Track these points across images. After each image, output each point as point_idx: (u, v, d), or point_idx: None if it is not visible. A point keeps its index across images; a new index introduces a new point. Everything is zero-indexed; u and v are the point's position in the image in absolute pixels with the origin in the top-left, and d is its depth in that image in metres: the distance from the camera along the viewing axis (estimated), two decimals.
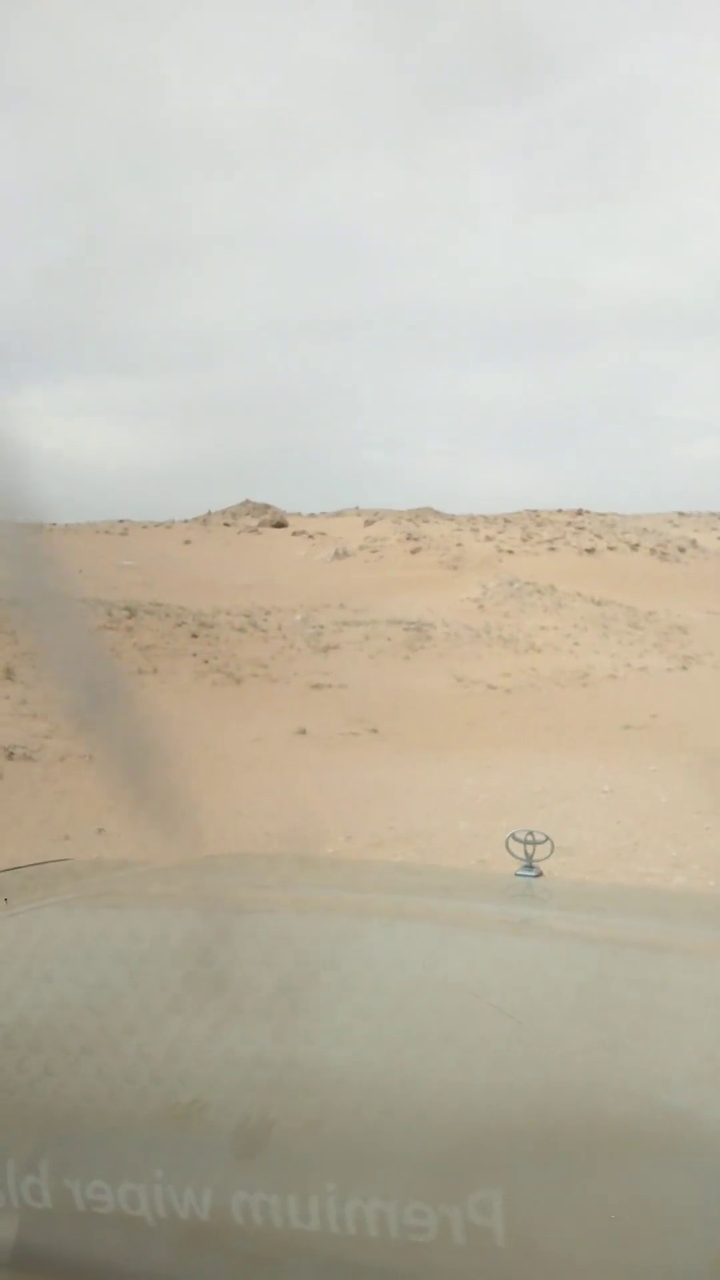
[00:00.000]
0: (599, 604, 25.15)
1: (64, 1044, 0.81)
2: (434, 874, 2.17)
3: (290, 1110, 0.72)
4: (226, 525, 40.95)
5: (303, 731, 11.64)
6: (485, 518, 42.17)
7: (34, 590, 0.78)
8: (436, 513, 44.43)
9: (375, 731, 11.85)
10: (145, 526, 38.51)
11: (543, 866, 1.48)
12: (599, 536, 36.95)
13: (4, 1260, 0.66)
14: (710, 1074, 0.80)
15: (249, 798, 7.74)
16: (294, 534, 38.88)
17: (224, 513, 43.80)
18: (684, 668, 18.78)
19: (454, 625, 21.67)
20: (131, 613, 18.62)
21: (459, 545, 34.42)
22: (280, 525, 40.78)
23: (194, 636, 17.89)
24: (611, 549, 35.34)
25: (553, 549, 34.67)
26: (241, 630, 19.23)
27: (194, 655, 16.56)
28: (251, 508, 44.17)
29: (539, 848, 1.48)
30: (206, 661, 16.24)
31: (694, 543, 37.79)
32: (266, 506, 44.33)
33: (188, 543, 36.15)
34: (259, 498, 45.33)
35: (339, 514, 44.21)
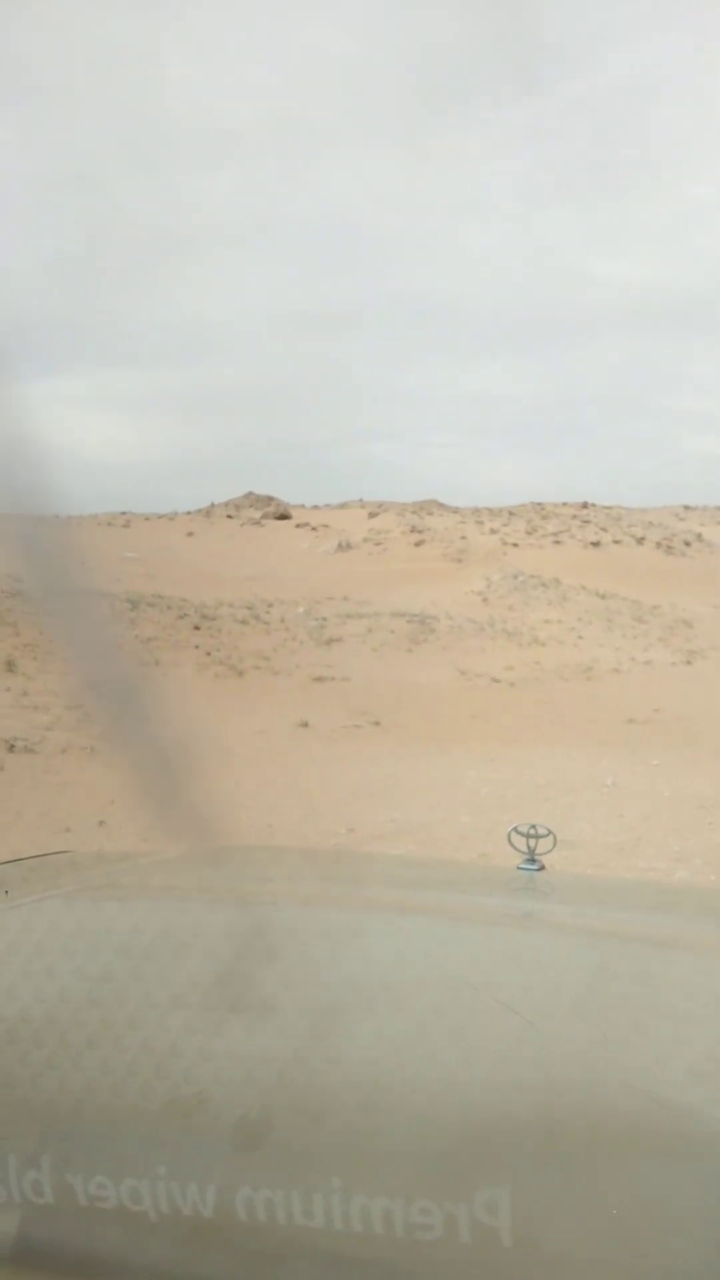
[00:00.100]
0: (604, 597, 25.13)
1: (66, 1038, 0.81)
2: (436, 867, 2.17)
3: (294, 1105, 0.72)
4: (229, 517, 40.94)
5: (305, 724, 11.65)
6: (490, 510, 42.12)
7: (57, 585, 0.78)
8: (441, 505, 44.37)
9: (378, 724, 11.86)
10: (148, 518, 38.50)
11: (545, 860, 1.47)
12: (604, 530, 36.89)
13: (6, 1255, 0.66)
14: (714, 1070, 0.79)
15: (251, 790, 7.74)
16: (297, 526, 38.87)
17: (227, 505, 43.81)
18: (688, 662, 18.76)
19: (458, 618, 21.66)
20: (133, 605, 18.63)
21: (463, 538, 34.39)
22: (283, 517, 40.76)
23: (196, 629, 17.91)
24: (617, 542, 35.29)
25: (558, 542, 34.62)
26: (244, 622, 19.24)
27: (196, 647, 16.57)
28: (254, 500, 44.17)
29: (541, 841, 1.48)
30: (209, 654, 16.25)
31: (700, 536, 37.73)
32: (270, 499, 44.33)
33: (190, 535, 36.16)
34: (262, 490, 45.37)
35: (342, 506, 44.20)
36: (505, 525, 37.45)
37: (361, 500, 45.41)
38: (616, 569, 30.22)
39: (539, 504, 42.64)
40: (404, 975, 0.97)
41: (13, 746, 9.31)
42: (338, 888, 1.41)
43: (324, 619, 20.53)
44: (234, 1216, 0.63)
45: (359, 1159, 0.67)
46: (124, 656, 0.84)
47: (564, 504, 42.83)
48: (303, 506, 44.42)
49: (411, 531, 35.65)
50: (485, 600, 24.84)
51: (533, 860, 1.46)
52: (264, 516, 40.83)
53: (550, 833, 1.49)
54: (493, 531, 36.02)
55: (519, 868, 1.45)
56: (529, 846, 1.48)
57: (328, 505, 45.02)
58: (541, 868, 1.46)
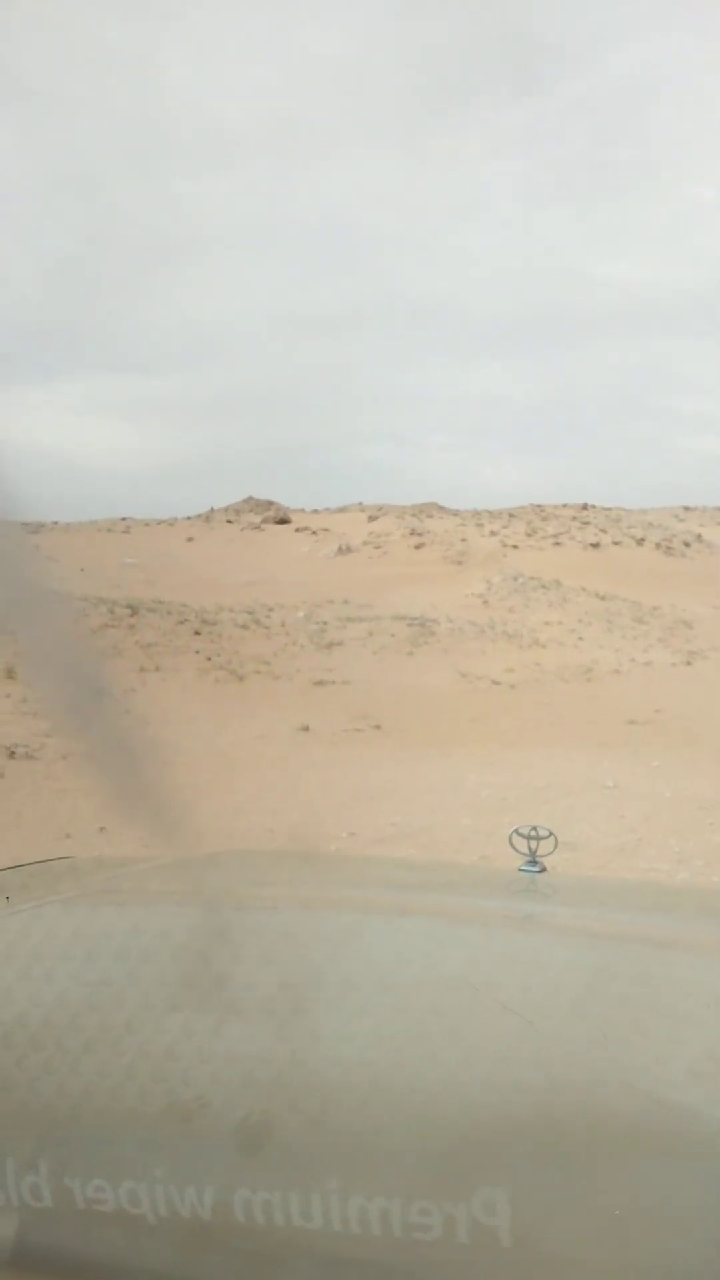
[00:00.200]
0: (604, 599, 25.13)
1: (65, 1042, 0.81)
2: (436, 870, 2.17)
3: (292, 1107, 0.72)
4: (229, 522, 40.95)
5: (306, 728, 11.64)
6: (490, 513, 42.13)
7: (19, 589, 0.78)
8: (441, 508, 44.39)
9: (378, 728, 11.85)
10: (148, 524, 38.52)
11: (546, 862, 1.47)
12: (604, 531, 36.89)
13: (4, 1259, 0.66)
14: (714, 1071, 0.79)
15: (252, 795, 7.74)
16: (297, 530, 38.87)
17: (227, 510, 43.83)
18: (689, 663, 18.76)
19: (458, 621, 21.66)
20: (134, 610, 18.63)
21: (463, 540, 34.39)
22: (283, 522, 40.76)
23: (197, 634, 17.90)
24: (617, 544, 35.29)
25: (557, 544, 34.62)
26: (244, 627, 19.24)
27: (197, 653, 16.56)
28: (254, 504, 44.18)
29: (542, 843, 1.48)
30: (209, 659, 16.25)
31: (700, 537, 37.73)
32: (270, 503, 44.34)
33: (190, 540, 36.17)
34: (262, 494, 45.40)
35: (342, 510, 44.20)
36: (505, 527, 37.45)
37: (361, 504, 45.43)
38: (616, 570, 30.22)
39: (538, 506, 42.64)
40: (405, 977, 0.97)
41: (13, 753, 9.31)
42: (338, 890, 1.41)
43: (324, 623, 20.53)
44: (232, 1218, 0.63)
45: (359, 1160, 0.67)
46: (91, 662, 0.84)
47: (564, 505, 42.84)
48: (302, 510, 44.43)
49: (411, 534, 35.66)
50: (485, 602, 24.84)
51: (534, 862, 1.46)
52: (264, 521, 40.84)
53: (551, 834, 1.49)
54: (492, 534, 36.02)
55: (520, 870, 1.45)
56: (530, 848, 1.47)
57: (327, 509, 45.03)
58: (543, 869, 1.45)
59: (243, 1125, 0.70)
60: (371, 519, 40.04)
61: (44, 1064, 0.78)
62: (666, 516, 44.94)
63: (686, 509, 48.97)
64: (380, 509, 43.16)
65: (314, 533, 37.99)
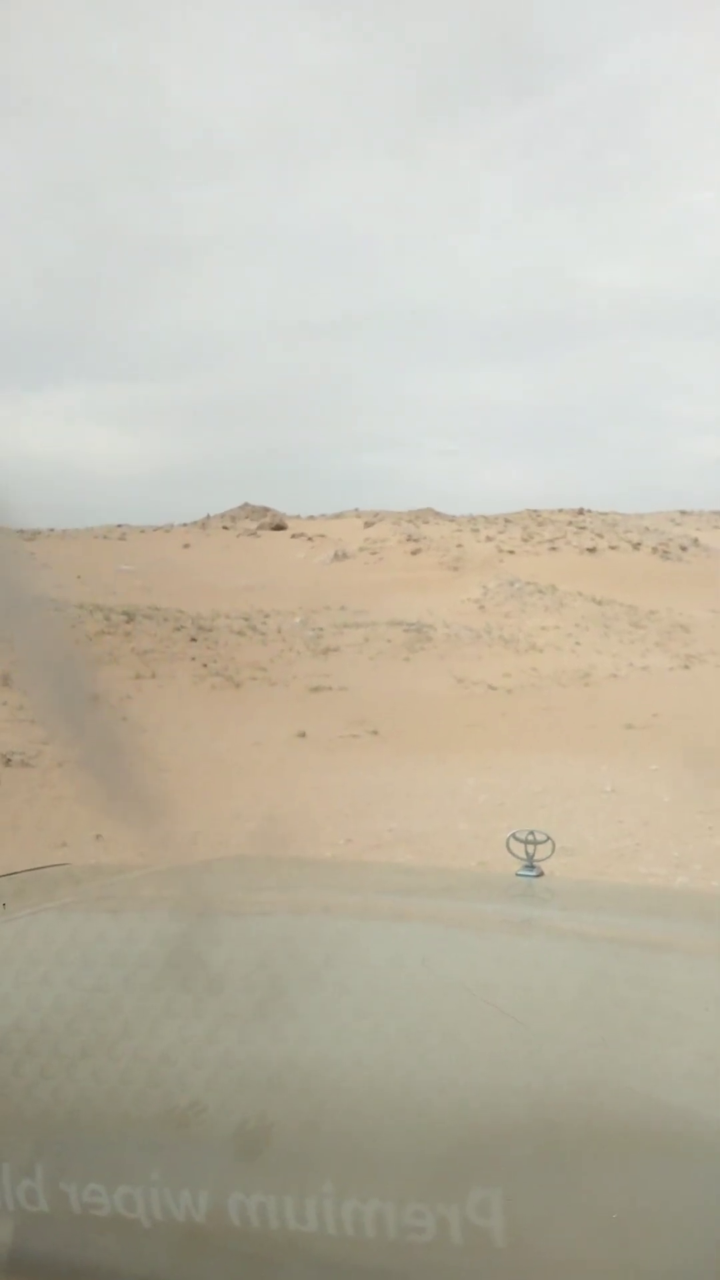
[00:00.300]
0: (600, 603, 25.17)
1: (61, 1048, 0.81)
2: (434, 874, 2.17)
3: (288, 1112, 0.72)
4: (225, 528, 40.97)
5: (302, 734, 11.64)
6: (486, 518, 42.20)
7: (14, 596, 0.78)
8: (437, 514, 44.46)
9: (375, 733, 11.85)
10: (144, 531, 38.56)
11: (544, 867, 1.47)
12: (600, 536, 36.96)
13: (1, 1264, 0.66)
14: (711, 1074, 0.79)
15: (248, 801, 7.74)
16: (293, 536, 38.91)
17: (223, 516, 43.85)
18: (686, 667, 18.78)
19: (454, 626, 21.68)
20: (130, 617, 18.63)
21: (459, 546, 34.44)
22: (279, 528, 40.79)
23: (193, 640, 17.90)
24: (613, 548, 35.36)
25: (554, 549, 34.69)
26: (240, 633, 19.24)
27: (193, 659, 16.56)
28: (250, 510, 44.22)
29: (540, 848, 1.48)
30: (205, 665, 16.24)
31: (696, 541, 37.82)
32: (266, 509, 44.38)
33: (186, 546, 36.18)
34: (258, 500, 45.43)
35: (338, 516, 44.24)
36: (501, 533, 37.51)
37: (357, 510, 45.46)
38: (613, 575, 30.28)
39: (535, 511, 42.71)
40: (401, 981, 0.97)
41: (9, 760, 9.30)
42: (334, 895, 1.41)
43: (321, 629, 20.54)
44: (228, 1222, 0.63)
45: (354, 1164, 0.67)
46: (80, 669, 0.84)
47: (560, 510, 42.92)
48: (299, 517, 44.47)
49: (408, 540, 35.70)
50: (482, 608, 24.87)
51: (531, 866, 1.46)
52: (260, 527, 40.87)
53: (549, 839, 1.49)
54: (489, 539, 36.08)
55: (517, 874, 1.45)
56: (527, 853, 1.48)
57: (324, 515, 45.07)
58: (540, 874, 1.46)
59: (239, 1130, 0.70)
60: (368, 525, 40.08)
61: (40, 1070, 0.78)
62: (663, 521, 45.05)
63: (683, 513, 49.10)
64: (376, 515, 43.20)
65: (310, 539, 38.02)
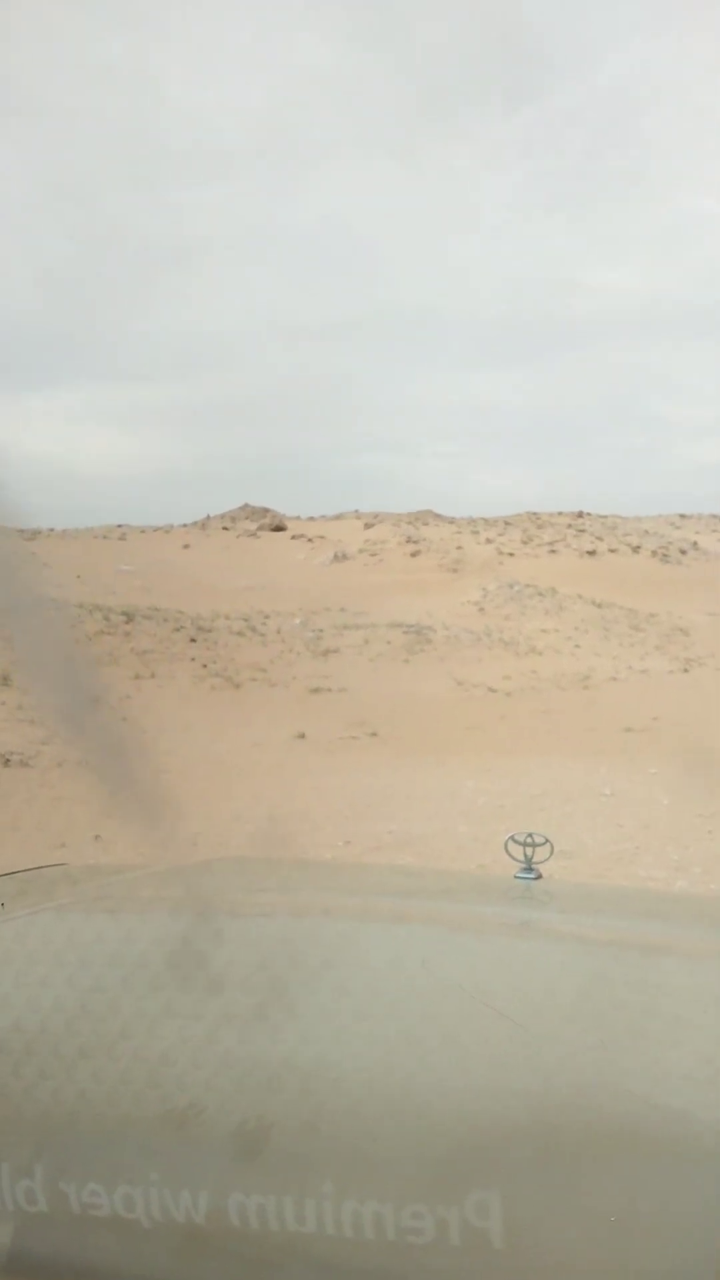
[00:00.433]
0: (600, 606, 25.17)
1: (60, 1048, 0.81)
2: (432, 876, 2.17)
3: (287, 1113, 0.72)
4: (225, 529, 40.97)
5: (302, 736, 11.64)
6: (485, 520, 42.20)
7: (14, 596, 0.78)
8: (437, 516, 44.45)
9: (375, 735, 11.85)
10: (144, 531, 38.56)
11: (542, 869, 1.47)
12: (600, 539, 36.98)
13: (1, 1264, 0.66)
14: (709, 1075, 0.79)
15: (248, 802, 7.74)
16: (293, 538, 38.91)
17: (223, 517, 43.85)
18: (685, 670, 18.78)
19: (454, 628, 21.68)
20: (129, 618, 18.63)
21: (459, 548, 34.45)
22: (279, 529, 40.79)
23: (192, 641, 17.90)
24: (613, 551, 35.38)
25: (553, 551, 34.70)
26: (240, 634, 19.24)
27: (192, 660, 16.56)
28: (250, 511, 44.21)
29: (538, 850, 1.48)
30: (205, 666, 16.24)
31: (695, 544, 37.84)
32: (265, 510, 44.37)
33: (186, 547, 36.18)
34: (258, 501, 45.42)
35: (338, 517, 44.24)
36: (501, 535, 37.52)
37: (357, 511, 45.46)
38: (612, 578, 30.28)
39: (534, 513, 42.72)
40: (400, 983, 0.97)
41: (8, 760, 9.30)
42: (333, 897, 1.41)
43: (320, 630, 20.54)
44: (228, 1223, 0.63)
45: (353, 1165, 0.67)
46: (84, 669, 0.84)
47: (559, 513, 42.92)
48: (298, 518, 44.47)
49: (407, 542, 35.70)
50: (481, 610, 24.87)
51: (530, 869, 1.46)
52: (260, 528, 40.87)
53: (547, 841, 1.49)
54: (488, 541, 36.09)
55: (516, 876, 1.45)
56: (526, 855, 1.48)
57: (323, 516, 45.08)
58: (538, 876, 1.46)
59: (238, 1130, 0.70)
60: (368, 526, 40.09)
61: (39, 1070, 0.78)
62: (662, 524, 45.08)
63: (682, 516, 49.12)
64: (376, 516, 43.21)
65: (310, 540, 38.02)
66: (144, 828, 0.86)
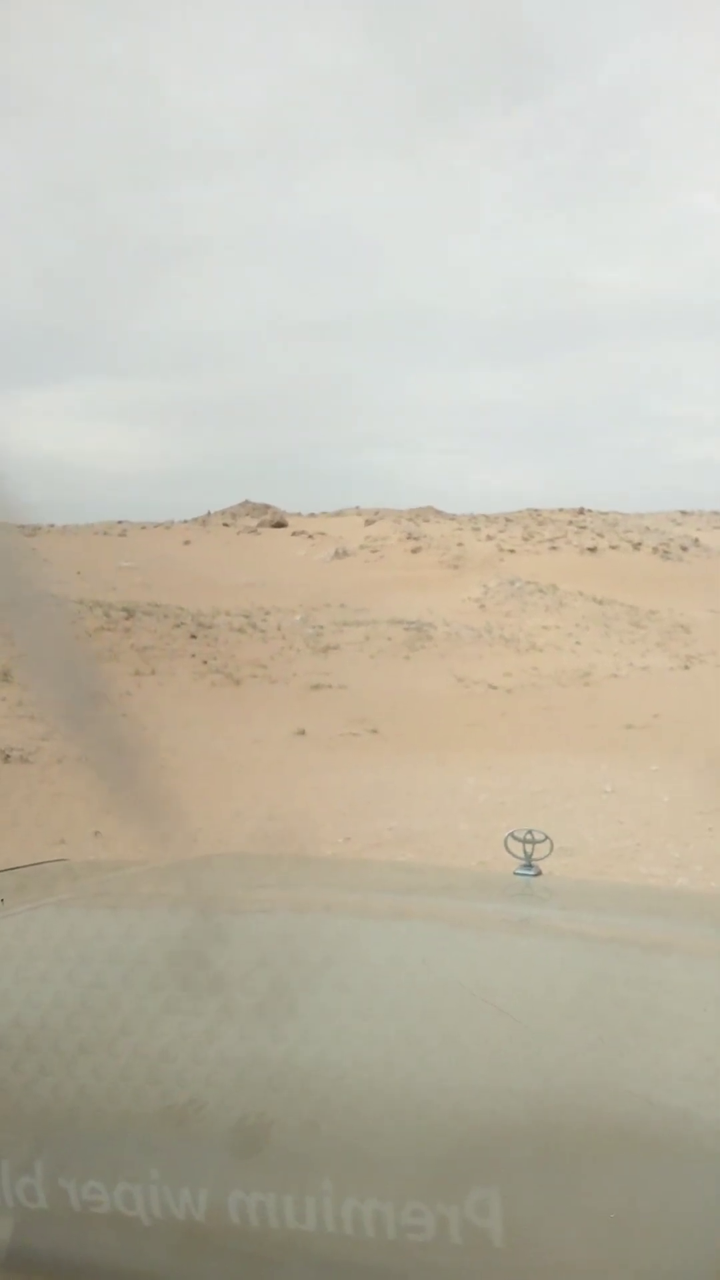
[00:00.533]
0: (601, 603, 25.15)
1: (60, 1044, 0.81)
2: (432, 873, 2.17)
3: (287, 1110, 0.72)
4: (226, 526, 40.93)
5: (302, 732, 11.64)
6: (486, 517, 42.15)
7: (15, 592, 0.78)
8: (437, 512, 44.42)
9: (375, 732, 11.85)
10: (144, 527, 38.52)
11: (542, 866, 1.47)
12: (601, 535, 36.93)
13: (0, 1260, 0.65)
14: (710, 1074, 0.79)
15: (248, 799, 7.73)
16: (294, 534, 38.86)
17: (223, 513, 43.80)
18: (686, 667, 18.77)
19: (455, 625, 21.67)
20: (129, 614, 18.62)
21: (460, 545, 34.41)
22: (280, 525, 40.76)
23: (193, 637, 17.89)
24: (613, 548, 35.33)
25: (554, 548, 34.66)
26: (240, 631, 19.23)
27: (193, 656, 16.55)
28: (251, 508, 44.16)
29: (538, 847, 1.48)
30: (205, 662, 16.23)
31: (696, 541, 37.80)
32: (266, 506, 44.31)
33: (187, 543, 36.15)
34: (258, 498, 45.35)
35: (339, 514, 44.19)
36: (502, 531, 37.47)
37: (358, 507, 45.41)
38: (613, 575, 30.25)
39: (535, 510, 42.66)
40: (399, 980, 0.97)
41: (7, 757, 9.30)
42: (333, 893, 1.41)
43: (321, 627, 20.53)
44: (228, 1221, 0.63)
45: (354, 1163, 0.67)
46: (87, 665, 0.84)
47: (560, 510, 42.86)
48: (299, 514, 44.42)
49: (408, 539, 35.67)
50: (482, 607, 24.86)
51: (529, 865, 1.46)
52: (260, 524, 40.83)
53: (547, 838, 1.49)
54: (489, 538, 36.04)
55: (515, 873, 1.45)
56: (526, 852, 1.48)
57: (324, 513, 45.03)
58: (538, 873, 1.46)
59: (238, 1127, 0.70)
60: (368, 523, 40.05)
61: (39, 1066, 0.78)
62: (663, 521, 45.03)
63: (683, 513, 49.07)
64: (377, 513, 43.16)
65: (310, 536, 37.98)
66: (144, 824, 0.86)
